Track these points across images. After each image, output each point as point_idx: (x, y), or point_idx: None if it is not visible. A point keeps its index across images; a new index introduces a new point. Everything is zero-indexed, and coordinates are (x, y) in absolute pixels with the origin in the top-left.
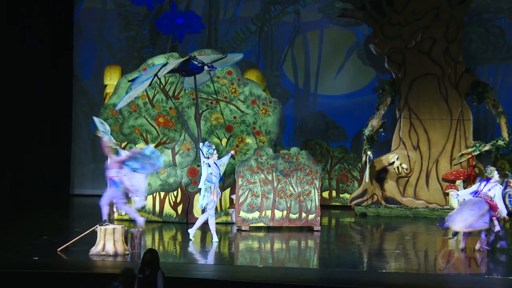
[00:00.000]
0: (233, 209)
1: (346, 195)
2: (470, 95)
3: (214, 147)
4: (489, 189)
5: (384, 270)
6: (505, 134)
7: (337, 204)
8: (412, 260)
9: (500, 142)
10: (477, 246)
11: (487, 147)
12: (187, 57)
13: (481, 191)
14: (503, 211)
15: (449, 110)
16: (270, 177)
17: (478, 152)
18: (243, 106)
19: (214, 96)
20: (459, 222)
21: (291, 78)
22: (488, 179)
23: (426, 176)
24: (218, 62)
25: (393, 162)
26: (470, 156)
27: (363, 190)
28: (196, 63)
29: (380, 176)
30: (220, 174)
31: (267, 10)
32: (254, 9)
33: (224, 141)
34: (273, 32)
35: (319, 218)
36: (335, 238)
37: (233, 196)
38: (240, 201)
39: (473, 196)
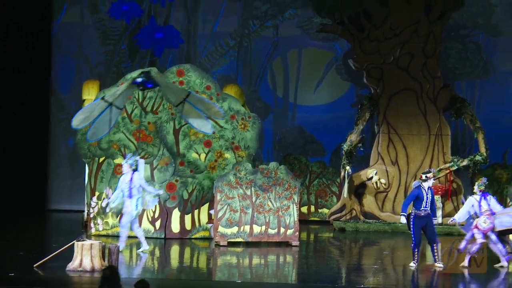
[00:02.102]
0: (211, 224)
1: (325, 210)
2: (448, 110)
3: (134, 159)
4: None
5: (362, 286)
6: (482, 149)
7: (315, 219)
8: (391, 275)
9: (478, 157)
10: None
11: (465, 162)
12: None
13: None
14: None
15: (427, 125)
16: (248, 192)
17: (456, 167)
18: (222, 121)
19: None
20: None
21: (270, 93)
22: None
23: (404, 191)
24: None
25: (372, 177)
26: (448, 171)
27: (342, 205)
28: (145, 79)
29: (358, 191)
30: (130, 188)
31: (245, 25)
32: (233, 24)
33: (202, 156)
34: (252, 47)
35: (297, 233)
36: (314, 253)
37: (212, 211)
38: (219, 216)
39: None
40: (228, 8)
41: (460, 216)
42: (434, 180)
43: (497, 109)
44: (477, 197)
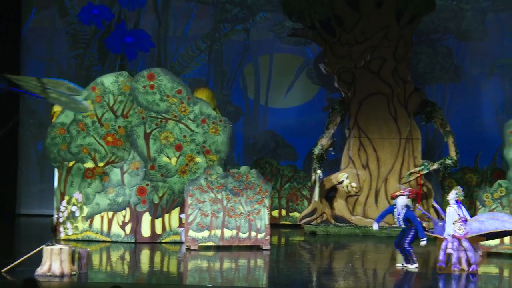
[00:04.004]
0: (182, 229)
1: (296, 214)
2: (418, 114)
3: None
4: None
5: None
6: (452, 153)
7: (286, 223)
8: (361, 278)
9: (448, 161)
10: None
11: (435, 166)
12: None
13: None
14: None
15: (398, 129)
16: (219, 196)
17: (427, 171)
18: (193, 125)
19: (164, 114)
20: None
21: (241, 97)
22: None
23: (375, 195)
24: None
25: (343, 181)
26: (418, 175)
27: (313, 208)
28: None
29: (329, 194)
30: None
31: (216, 28)
32: (204, 27)
33: (173, 160)
34: (223, 51)
35: (268, 237)
36: (285, 257)
37: (182, 215)
38: (189, 220)
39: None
40: (199, 11)
41: (449, 230)
42: (404, 184)
43: (468, 113)
44: (455, 206)
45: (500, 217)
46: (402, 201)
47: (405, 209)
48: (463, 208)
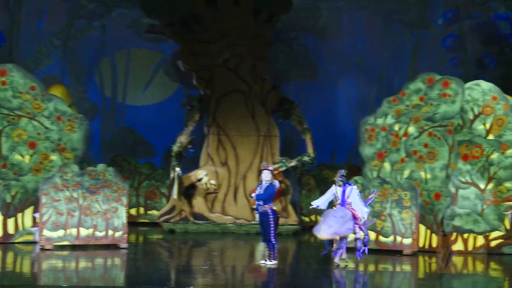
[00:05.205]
0: (36, 228)
1: (155, 212)
2: (277, 112)
3: None
4: (348, 196)
5: (191, 287)
6: (310, 150)
7: (145, 221)
8: (220, 275)
9: (306, 158)
10: (336, 260)
11: (293, 163)
12: None
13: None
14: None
15: (257, 126)
16: (75, 195)
17: (285, 168)
18: (48, 122)
19: (17, 111)
20: (325, 230)
21: (98, 94)
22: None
23: (234, 192)
24: None
25: (202, 178)
26: (277, 172)
27: (171, 206)
28: None
29: (188, 192)
30: None
31: (71, 24)
32: (58, 23)
33: (27, 158)
34: (79, 47)
35: (126, 235)
36: (143, 255)
37: (36, 215)
38: (44, 219)
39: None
40: (52, 6)
41: (320, 202)
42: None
43: (324, 110)
44: (339, 188)
45: (328, 220)
46: (266, 176)
47: (269, 184)
48: (352, 191)
